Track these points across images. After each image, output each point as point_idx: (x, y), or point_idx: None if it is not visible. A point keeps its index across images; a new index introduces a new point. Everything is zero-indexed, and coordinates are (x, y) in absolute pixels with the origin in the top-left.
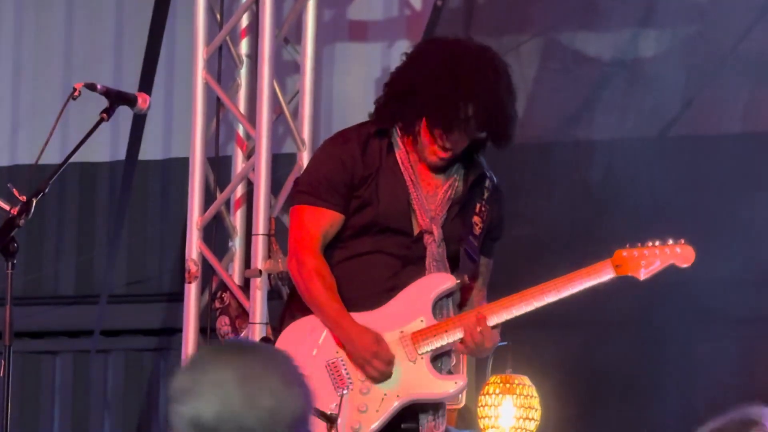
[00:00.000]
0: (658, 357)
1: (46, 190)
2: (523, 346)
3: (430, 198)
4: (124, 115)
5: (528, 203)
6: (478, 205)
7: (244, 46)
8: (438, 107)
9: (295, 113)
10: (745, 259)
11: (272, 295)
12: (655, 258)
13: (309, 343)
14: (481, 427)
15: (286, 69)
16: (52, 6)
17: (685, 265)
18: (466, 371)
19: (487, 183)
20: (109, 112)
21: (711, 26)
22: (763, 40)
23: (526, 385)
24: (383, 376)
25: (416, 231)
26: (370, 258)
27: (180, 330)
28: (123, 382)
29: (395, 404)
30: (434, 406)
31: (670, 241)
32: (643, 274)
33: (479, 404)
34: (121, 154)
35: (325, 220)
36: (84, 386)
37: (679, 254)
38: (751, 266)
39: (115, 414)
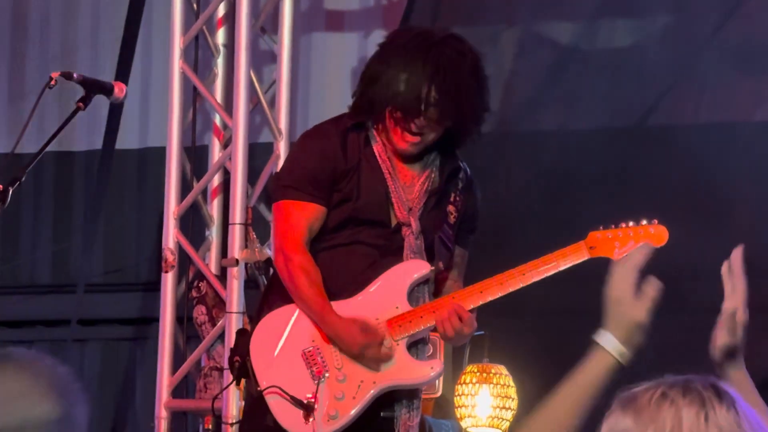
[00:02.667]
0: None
1: (23, 178)
2: (500, 336)
3: (407, 189)
4: (100, 104)
5: (504, 191)
6: (452, 195)
7: (220, 35)
8: (399, 91)
9: (272, 103)
10: (719, 247)
11: (249, 284)
12: (629, 238)
13: (285, 332)
14: (458, 416)
15: (263, 58)
16: None
17: (659, 245)
18: (443, 360)
19: (461, 174)
20: (85, 101)
21: (688, 16)
22: (740, 29)
23: (503, 375)
24: (382, 360)
25: (394, 223)
26: (349, 249)
27: (157, 319)
28: (100, 372)
29: (372, 391)
30: (409, 396)
31: (644, 221)
32: (617, 255)
33: (456, 393)
34: (98, 144)
35: (310, 214)
36: None
37: (653, 234)
38: (724, 255)
39: (91, 403)
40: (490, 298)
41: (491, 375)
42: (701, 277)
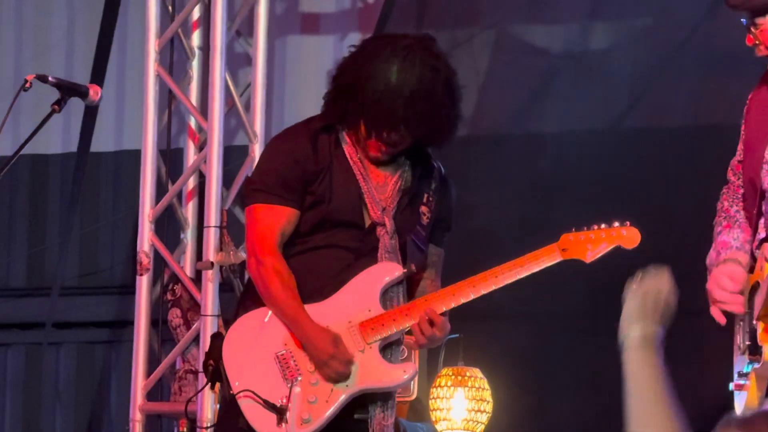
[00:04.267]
0: (608, 348)
1: None
2: (475, 339)
3: (380, 189)
4: (75, 107)
5: (479, 195)
6: (425, 195)
7: (196, 38)
8: (374, 108)
9: (247, 106)
10: (695, 250)
11: (224, 287)
12: (601, 240)
13: (258, 335)
14: (433, 419)
15: (238, 61)
16: None
17: (630, 247)
18: (418, 363)
19: (435, 174)
20: (60, 103)
21: (661, 19)
22: (713, 33)
23: (478, 378)
24: (340, 376)
25: (368, 224)
26: (324, 252)
27: (132, 322)
28: (75, 375)
29: (344, 395)
30: (383, 397)
31: (616, 224)
32: (589, 257)
33: (431, 396)
34: (73, 146)
35: (282, 218)
36: (36, 379)
37: (625, 236)
38: (701, 258)
39: (66, 406)
40: (463, 301)
41: (466, 378)
42: (678, 280)
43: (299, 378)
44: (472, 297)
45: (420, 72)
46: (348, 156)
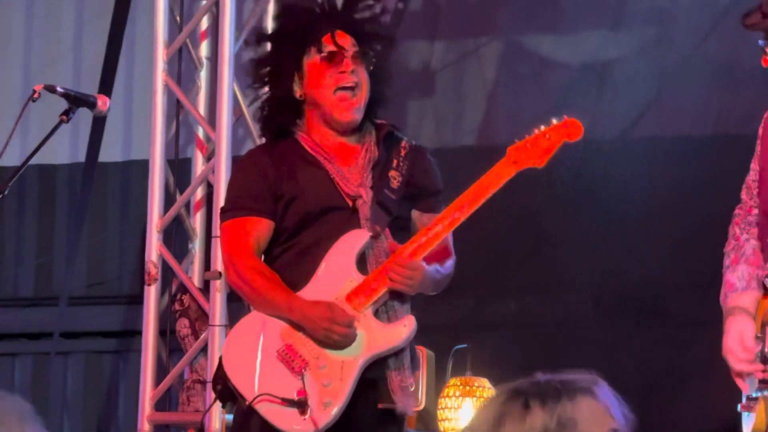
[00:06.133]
0: (617, 358)
1: (6, 192)
2: (483, 349)
3: (351, 170)
4: (83, 117)
5: (490, 206)
6: (395, 161)
7: (204, 48)
8: (302, 29)
9: (256, 115)
10: (702, 261)
11: (232, 297)
12: (545, 141)
13: (254, 338)
14: (441, 429)
15: (246, 71)
16: (12, 6)
17: (576, 139)
18: (426, 374)
19: (404, 143)
20: (68, 114)
21: (672, 29)
22: (723, 42)
23: (486, 388)
24: (348, 338)
25: (349, 202)
26: (315, 250)
27: (140, 332)
28: (83, 385)
29: (355, 369)
30: (395, 356)
31: (554, 121)
32: (541, 161)
33: (439, 406)
34: (81, 156)
35: (251, 227)
36: (44, 388)
37: (567, 129)
38: (707, 269)
39: (74, 416)
40: (437, 242)
41: (474, 388)
42: (685, 291)
43: (307, 367)
44: (444, 236)
45: None
46: (308, 147)
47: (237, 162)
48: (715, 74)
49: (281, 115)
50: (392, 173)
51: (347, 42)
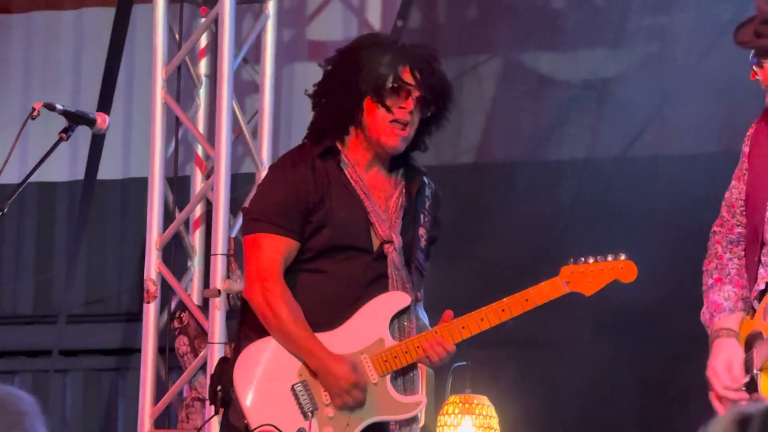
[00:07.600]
0: (616, 375)
1: (5, 209)
2: (483, 366)
3: (383, 207)
4: (82, 134)
5: (489, 224)
6: (422, 216)
7: (203, 66)
8: (378, 73)
9: (255, 133)
10: (700, 279)
11: (231, 314)
12: (600, 274)
13: (269, 367)
14: None
15: (245, 89)
16: (11, 25)
17: (628, 281)
18: (425, 391)
19: (428, 191)
20: (68, 132)
21: (673, 46)
22: (724, 59)
23: (485, 405)
24: (357, 404)
25: (376, 245)
26: (330, 279)
27: (139, 350)
28: (82, 402)
29: (360, 426)
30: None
31: (610, 257)
32: (589, 290)
33: (438, 424)
34: (80, 174)
35: (283, 248)
36: (43, 406)
37: (623, 270)
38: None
39: None
40: (471, 334)
41: (474, 405)
42: (685, 309)
43: (316, 411)
44: (479, 331)
45: (400, 42)
46: (349, 176)
47: (278, 166)
48: (717, 92)
49: (342, 109)
50: (421, 230)
51: (418, 83)
